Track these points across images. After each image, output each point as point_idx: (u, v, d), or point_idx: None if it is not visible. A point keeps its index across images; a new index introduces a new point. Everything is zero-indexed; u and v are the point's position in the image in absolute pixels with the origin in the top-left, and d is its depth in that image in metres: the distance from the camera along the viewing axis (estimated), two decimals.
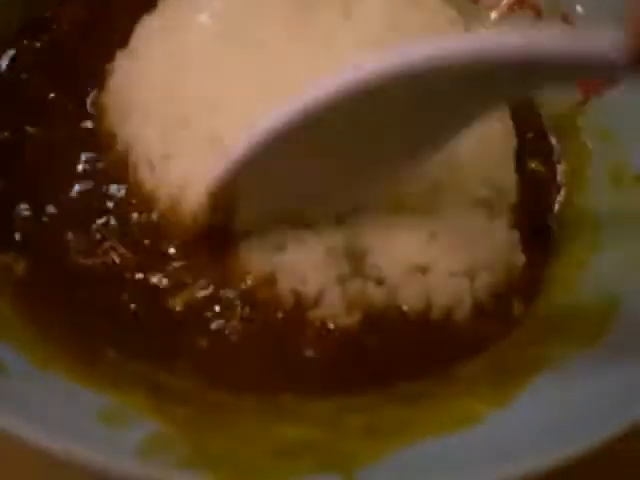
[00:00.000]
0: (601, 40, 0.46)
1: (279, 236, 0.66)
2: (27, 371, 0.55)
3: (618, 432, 0.54)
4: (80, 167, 0.70)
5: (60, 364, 0.56)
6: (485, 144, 0.70)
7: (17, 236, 0.66)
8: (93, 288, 0.64)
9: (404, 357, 0.65)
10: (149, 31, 0.74)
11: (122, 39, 0.74)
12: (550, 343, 0.64)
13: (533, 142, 0.81)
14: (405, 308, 0.66)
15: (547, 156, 0.81)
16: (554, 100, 0.84)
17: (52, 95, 0.74)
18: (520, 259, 0.71)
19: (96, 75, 0.74)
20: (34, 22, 0.78)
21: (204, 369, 0.62)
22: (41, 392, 0.53)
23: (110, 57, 0.75)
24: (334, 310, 0.65)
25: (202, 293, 0.65)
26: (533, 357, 0.63)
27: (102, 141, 0.71)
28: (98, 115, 0.73)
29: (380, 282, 0.66)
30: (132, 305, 0.64)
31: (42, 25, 0.78)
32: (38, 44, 0.77)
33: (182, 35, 0.71)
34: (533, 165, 0.80)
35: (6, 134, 0.72)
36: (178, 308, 0.64)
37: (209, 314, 0.64)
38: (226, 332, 0.64)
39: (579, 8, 0.84)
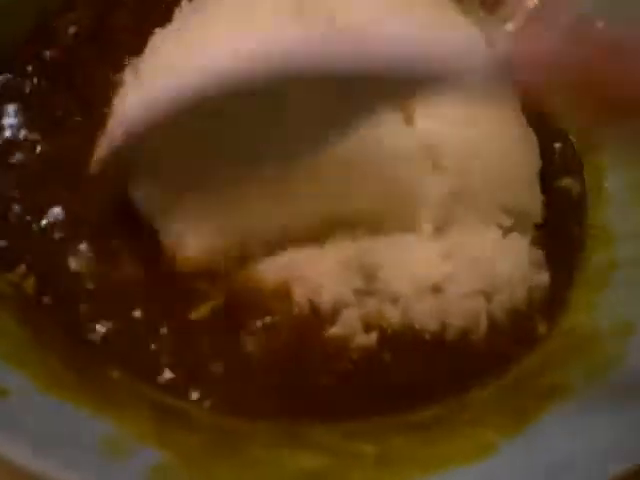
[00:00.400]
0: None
1: (291, 252, 0.65)
2: (29, 395, 0.53)
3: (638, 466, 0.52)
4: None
5: (64, 386, 0.55)
6: (507, 168, 0.69)
7: (26, 252, 0.65)
8: (102, 306, 0.63)
9: (418, 381, 0.63)
10: (162, 44, 0.71)
11: (130, 48, 0.72)
12: (569, 368, 0.62)
13: (558, 157, 0.79)
14: (420, 328, 0.64)
15: (573, 172, 0.78)
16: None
17: (60, 107, 0.72)
18: (543, 279, 0.69)
19: (103, 85, 0.73)
20: (41, 31, 0.77)
21: (215, 393, 0.60)
22: (43, 417, 0.52)
23: (117, 67, 0.73)
24: (352, 328, 0.63)
25: (214, 310, 0.63)
26: (550, 383, 0.61)
27: None
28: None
29: (394, 300, 0.64)
30: (141, 324, 0.62)
31: (49, 34, 0.77)
32: (46, 53, 0.75)
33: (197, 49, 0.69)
34: (560, 182, 0.77)
35: (14, 144, 0.70)
36: (190, 323, 0.63)
37: (221, 332, 0.63)
38: (239, 352, 0.62)
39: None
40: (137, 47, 0.72)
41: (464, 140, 0.67)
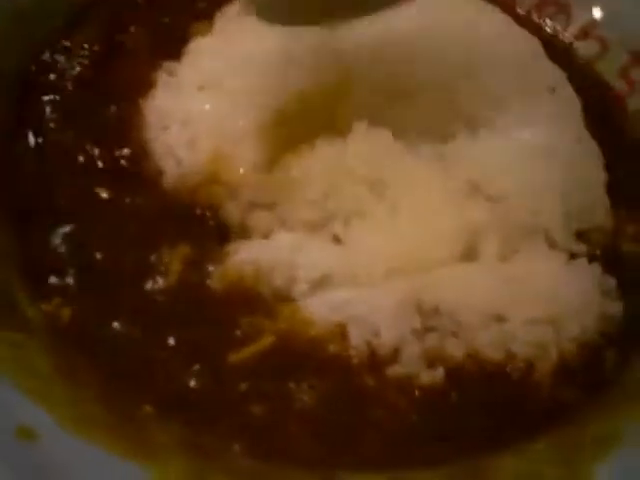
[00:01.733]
0: None
1: (344, 291, 0.62)
2: (59, 438, 0.51)
3: None
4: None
5: (94, 426, 0.53)
6: (572, 191, 0.66)
7: (66, 282, 0.62)
8: (138, 338, 0.60)
9: (475, 426, 0.59)
10: (205, 52, 0.71)
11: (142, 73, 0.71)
12: (622, 417, 0.58)
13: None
14: (484, 358, 0.61)
15: None
16: None
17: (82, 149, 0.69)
18: (615, 308, 0.64)
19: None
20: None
21: (247, 436, 0.57)
22: (73, 463, 0.50)
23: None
24: (415, 366, 0.60)
25: (263, 348, 0.60)
26: (601, 432, 0.57)
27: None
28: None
29: (455, 333, 0.61)
30: (179, 359, 0.60)
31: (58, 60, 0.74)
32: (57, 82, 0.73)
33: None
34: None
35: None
36: (231, 362, 0.60)
37: (266, 376, 0.59)
38: (287, 393, 0.59)
39: None
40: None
41: (527, 171, 0.65)
